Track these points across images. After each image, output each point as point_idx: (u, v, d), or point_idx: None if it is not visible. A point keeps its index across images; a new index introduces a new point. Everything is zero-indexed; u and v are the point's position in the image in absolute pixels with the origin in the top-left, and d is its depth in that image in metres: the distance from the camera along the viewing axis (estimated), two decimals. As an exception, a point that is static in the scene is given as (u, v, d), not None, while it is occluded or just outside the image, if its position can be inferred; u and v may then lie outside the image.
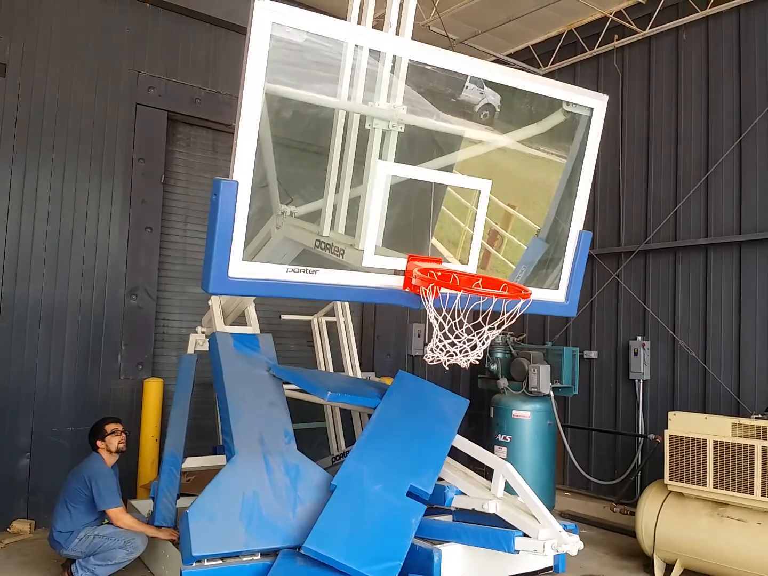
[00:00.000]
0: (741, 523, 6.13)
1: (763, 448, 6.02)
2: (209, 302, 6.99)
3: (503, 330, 4.68)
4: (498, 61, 9.92)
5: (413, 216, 5.27)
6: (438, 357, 4.69)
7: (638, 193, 9.42)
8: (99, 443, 6.07)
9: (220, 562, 5.26)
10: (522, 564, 6.08)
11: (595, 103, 5.47)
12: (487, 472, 6.28)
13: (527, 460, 8.59)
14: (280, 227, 5.13)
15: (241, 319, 7.20)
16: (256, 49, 4.03)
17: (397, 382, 6.88)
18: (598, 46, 9.85)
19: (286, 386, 6.75)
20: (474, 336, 4.67)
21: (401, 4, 5.12)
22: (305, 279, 4.56)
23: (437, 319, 4.59)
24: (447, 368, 5.00)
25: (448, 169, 5.16)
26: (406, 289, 4.83)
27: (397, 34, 5.09)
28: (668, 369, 8.86)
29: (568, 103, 5.36)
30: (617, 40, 9.62)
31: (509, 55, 10.63)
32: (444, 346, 4.62)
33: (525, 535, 5.47)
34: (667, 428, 6.82)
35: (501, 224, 5.48)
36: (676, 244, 8.86)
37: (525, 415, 8.73)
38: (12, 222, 7.61)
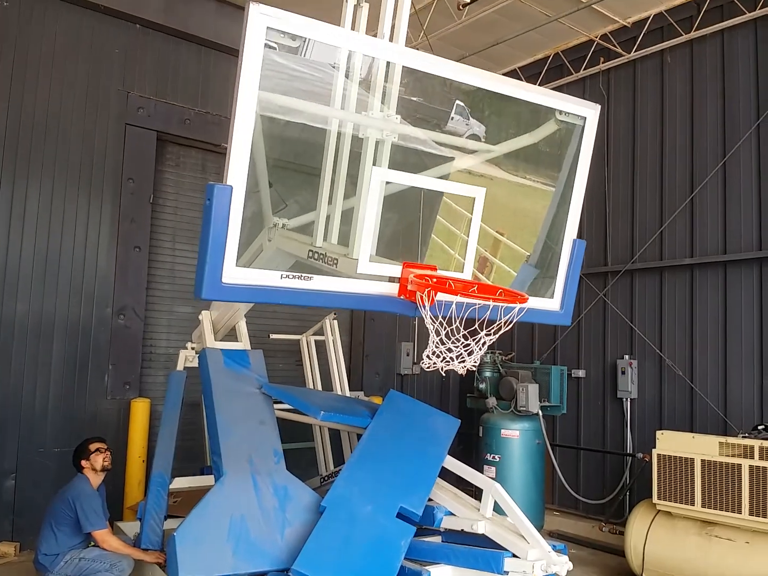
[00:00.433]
0: (729, 543, 6.15)
1: (750, 467, 6.06)
2: (200, 317, 6.95)
3: (498, 336, 4.64)
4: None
5: (407, 226, 5.26)
6: (435, 363, 4.64)
7: (624, 214, 9.51)
8: (84, 463, 6.01)
9: (208, 584, 5.20)
10: (511, 585, 6.05)
11: (588, 113, 5.51)
12: (476, 492, 6.27)
13: (516, 480, 8.58)
14: (272, 239, 5.11)
15: (231, 335, 7.17)
16: (250, 55, 4.01)
17: (388, 401, 6.85)
18: (584, 69, 9.99)
19: (274, 406, 6.72)
20: (471, 341, 4.64)
21: (395, 12, 5.14)
22: (300, 285, 4.51)
23: (433, 324, 4.55)
24: (444, 374, 4.97)
25: (437, 198, 5.17)
26: (401, 297, 4.80)
27: (390, 41, 5.11)
28: (655, 388, 8.90)
29: (561, 113, 5.41)
30: (603, 62, 9.76)
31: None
32: (441, 351, 4.59)
33: (514, 555, 5.45)
34: (655, 447, 6.84)
35: (490, 251, 5.50)
36: (662, 264, 8.94)
37: (514, 434, 8.73)
38: (-1, 240, 7.59)
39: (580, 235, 9.68)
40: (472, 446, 10.23)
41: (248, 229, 4.42)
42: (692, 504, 6.39)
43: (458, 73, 4.91)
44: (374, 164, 4.91)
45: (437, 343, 4.55)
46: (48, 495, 6.49)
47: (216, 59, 9.17)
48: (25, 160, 7.77)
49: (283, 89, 4.36)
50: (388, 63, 4.75)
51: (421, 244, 5.16)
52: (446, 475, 6.24)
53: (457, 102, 5.08)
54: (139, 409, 8.13)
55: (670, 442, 6.75)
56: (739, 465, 6.13)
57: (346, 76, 4.75)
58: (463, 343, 4.60)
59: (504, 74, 11.03)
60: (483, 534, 5.75)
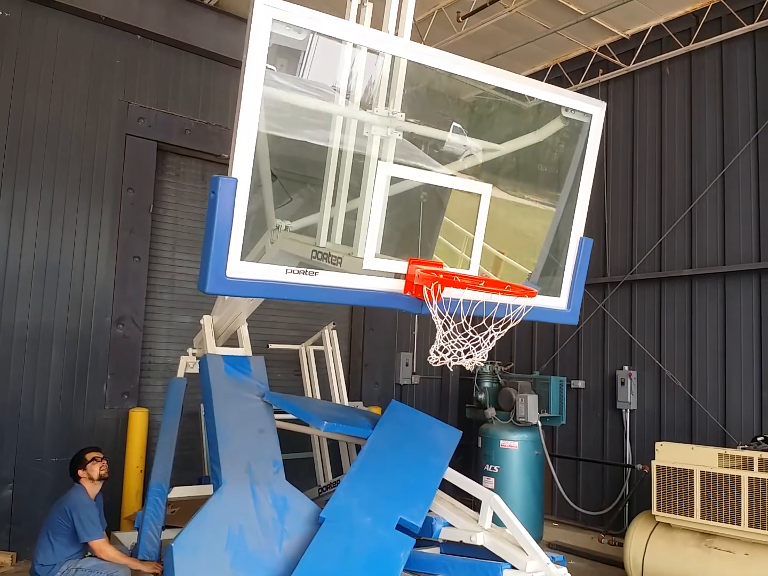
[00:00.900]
0: (729, 554, 6.13)
1: (750, 478, 6.04)
2: (201, 321, 6.94)
3: (506, 330, 4.58)
4: (485, 93, 10.05)
5: (413, 226, 5.24)
6: (442, 358, 4.59)
7: (623, 224, 9.53)
8: (80, 473, 6.00)
9: (205, 596, 5.18)
10: (510, 597, 6.02)
11: (594, 110, 5.51)
12: (475, 503, 6.25)
13: (515, 491, 8.56)
14: (275, 242, 5.09)
15: (233, 341, 7.15)
16: (256, 47, 3.95)
17: (390, 412, 6.83)
18: (583, 80, 10.03)
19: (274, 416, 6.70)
20: (479, 336, 4.59)
21: (399, 6, 5.13)
22: (305, 281, 4.46)
23: (441, 319, 4.49)
24: (451, 370, 4.92)
25: (444, 197, 5.16)
26: (407, 293, 4.77)
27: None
28: (655, 399, 8.89)
29: (566, 109, 5.42)
30: (602, 74, 9.81)
31: (495, 89, 10.78)
32: (449, 346, 4.53)
33: (513, 567, 5.43)
34: (654, 458, 6.83)
35: (492, 270, 5.48)
36: (661, 275, 8.95)
37: (513, 445, 8.72)
38: (-1, 250, 7.60)
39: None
40: (471, 457, 10.21)
41: (250, 232, 4.38)
42: (691, 515, 6.38)
43: (463, 67, 4.91)
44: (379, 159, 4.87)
45: (445, 336, 4.48)
46: (45, 505, 6.47)
47: (216, 70, 9.21)
48: (25, 169, 7.79)
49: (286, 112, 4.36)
50: (391, 65, 4.74)
51: (428, 243, 5.13)
52: (445, 485, 6.22)
53: (454, 124, 5.09)
54: (138, 419, 8.11)
55: (669, 454, 6.74)
56: (739, 477, 6.12)
57: (347, 98, 4.77)
58: (471, 337, 4.53)
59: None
60: (482, 545, 5.72)
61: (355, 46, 4.54)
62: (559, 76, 10.33)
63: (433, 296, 4.44)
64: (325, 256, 4.93)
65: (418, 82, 5.00)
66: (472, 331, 4.52)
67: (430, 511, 6.16)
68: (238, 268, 4.20)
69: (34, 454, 7.65)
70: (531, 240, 5.77)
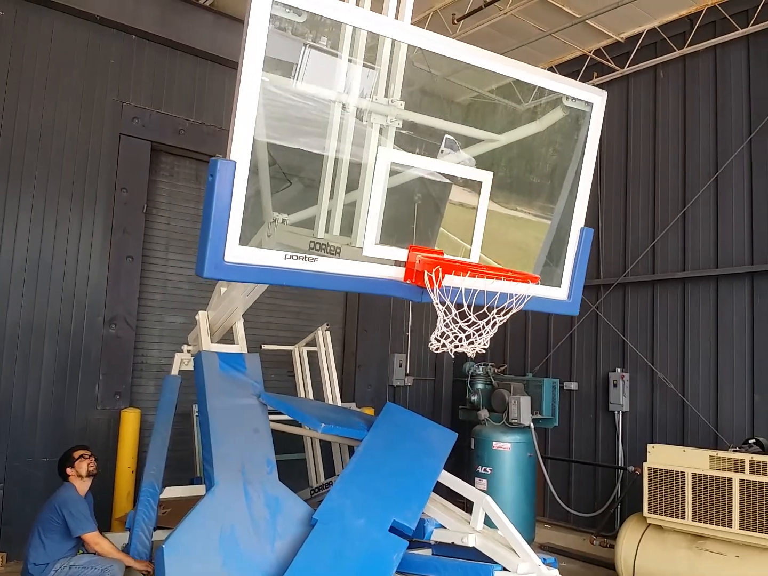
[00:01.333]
0: (720, 556, 6.15)
1: (741, 481, 6.07)
2: (197, 317, 6.92)
3: (508, 317, 4.55)
4: (480, 96, 10.06)
5: (413, 215, 5.22)
6: (443, 344, 4.55)
7: (617, 227, 9.55)
8: (69, 471, 5.98)
9: (196, 597, 5.16)
10: (502, 598, 6.03)
11: (595, 99, 5.52)
12: (467, 505, 6.25)
13: (507, 492, 8.57)
14: (272, 235, 5.06)
15: (228, 338, 7.13)
16: (255, 28, 3.90)
17: (385, 413, 6.81)
18: (577, 83, 10.04)
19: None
20: (481, 322, 4.54)
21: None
22: (304, 267, 4.42)
23: (443, 304, 4.46)
24: (453, 356, 4.89)
25: (445, 187, 5.15)
26: (407, 281, 4.74)
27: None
28: (647, 401, 8.92)
29: (567, 98, 5.42)
30: (596, 77, 9.83)
31: (490, 91, 10.80)
32: (451, 331, 4.49)
33: (504, 569, 5.43)
34: (646, 460, 6.85)
35: (493, 259, 5.48)
36: (654, 278, 8.98)
37: (505, 446, 8.73)
38: (-9, 249, 7.57)
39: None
40: (464, 458, 10.22)
41: (247, 225, 4.36)
42: (683, 517, 6.39)
43: (464, 53, 4.89)
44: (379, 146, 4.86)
45: (447, 322, 4.45)
46: (36, 505, 6.44)
47: (211, 70, 9.19)
48: (18, 168, 7.76)
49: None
50: (390, 51, 4.72)
51: (429, 233, 5.10)
52: (437, 487, 6.22)
53: (447, 136, 5.09)
54: (130, 420, 8.08)
55: (661, 456, 6.76)
56: (730, 479, 6.14)
57: (343, 108, 4.76)
58: (472, 323, 4.49)
59: (498, 87, 11.09)
60: (473, 547, 5.73)
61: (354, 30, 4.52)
62: (554, 78, 10.34)
63: (434, 282, 4.41)
64: (324, 246, 4.89)
65: (419, 72, 4.99)
66: (473, 317, 4.48)
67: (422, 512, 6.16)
68: (236, 252, 4.17)
69: (25, 454, 7.61)
70: (524, 252, 5.77)
